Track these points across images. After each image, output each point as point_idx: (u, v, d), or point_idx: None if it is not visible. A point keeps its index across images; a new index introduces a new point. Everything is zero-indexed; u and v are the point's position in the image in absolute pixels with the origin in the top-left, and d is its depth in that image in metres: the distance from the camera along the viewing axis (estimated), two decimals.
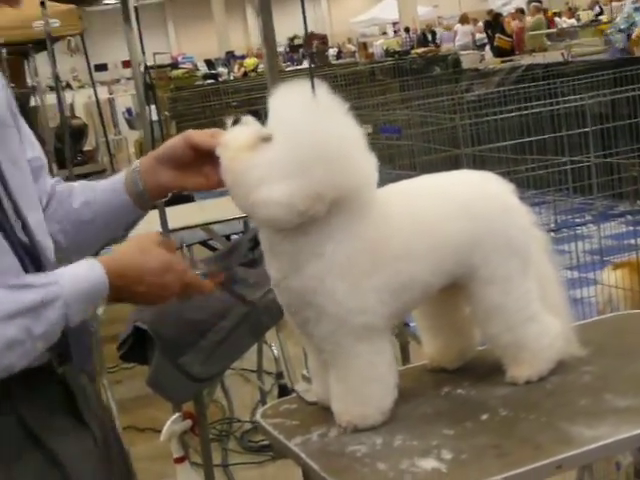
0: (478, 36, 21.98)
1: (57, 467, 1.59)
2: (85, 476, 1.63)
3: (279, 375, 5.30)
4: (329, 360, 1.90)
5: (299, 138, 1.73)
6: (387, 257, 1.84)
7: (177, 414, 3.19)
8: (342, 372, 1.88)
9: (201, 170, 1.81)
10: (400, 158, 7.70)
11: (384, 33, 32.09)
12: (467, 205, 1.94)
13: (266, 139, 1.75)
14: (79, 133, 12.91)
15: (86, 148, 14.09)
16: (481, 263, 1.93)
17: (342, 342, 1.84)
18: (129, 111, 17.13)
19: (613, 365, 2.08)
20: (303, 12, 2.40)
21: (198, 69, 21.90)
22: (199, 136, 1.79)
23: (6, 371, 1.49)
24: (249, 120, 1.81)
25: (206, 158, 1.79)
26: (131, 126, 16.65)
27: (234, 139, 1.76)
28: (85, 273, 1.58)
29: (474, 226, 1.92)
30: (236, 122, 1.79)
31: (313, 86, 1.80)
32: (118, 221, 1.82)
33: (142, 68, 3.92)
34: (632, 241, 4.71)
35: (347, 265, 1.80)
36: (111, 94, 18.93)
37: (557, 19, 21.33)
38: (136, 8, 3.58)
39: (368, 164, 1.81)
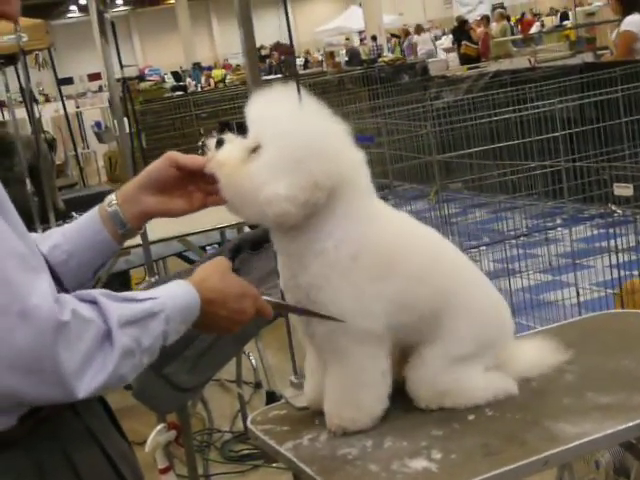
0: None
1: (110, 462, 1.61)
2: (127, 474, 1.65)
3: (258, 384, 5.33)
4: (328, 361, 1.94)
5: (287, 138, 1.80)
6: (398, 271, 1.89)
7: (161, 425, 3.20)
8: (337, 374, 1.92)
9: (185, 190, 1.84)
10: (372, 166, 7.71)
11: (347, 39, 32.15)
12: None
13: (255, 149, 1.81)
14: (49, 147, 12.84)
15: (55, 162, 14.01)
16: None
17: (340, 343, 1.88)
18: (98, 124, 17.06)
19: (594, 364, 2.14)
20: (287, 19, 2.43)
21: (165, 81, 21.84)
22: (183, 156, 1.82)
23: (121, 381, 1.49)
24: (230, 137, 1.86)
25: (190, 179, 1.83)
26: (100, 139, 16.57)
27: (227, 157, 1.81)
28: (182, 292, 1.62)
29: None
30: (220, 143, 1.84)
31: (299, 90, 1.87)
32: (93, 260, 1.78)
33: (116, 80, 3.92)
34: (604, 243, 4.77)
35: (351, 266, 1.85)
36: (78, 108, 18.82)
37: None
38: (112, 23, 3.60)
39: (354, 152, 1.89)
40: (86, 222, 1.78)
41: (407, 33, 24.47)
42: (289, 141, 1.79)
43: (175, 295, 1.60)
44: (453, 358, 1.95)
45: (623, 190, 4.18)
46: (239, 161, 1.81)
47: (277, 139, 1.80)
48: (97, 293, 1.50)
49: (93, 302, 1.48)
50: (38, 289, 1.39)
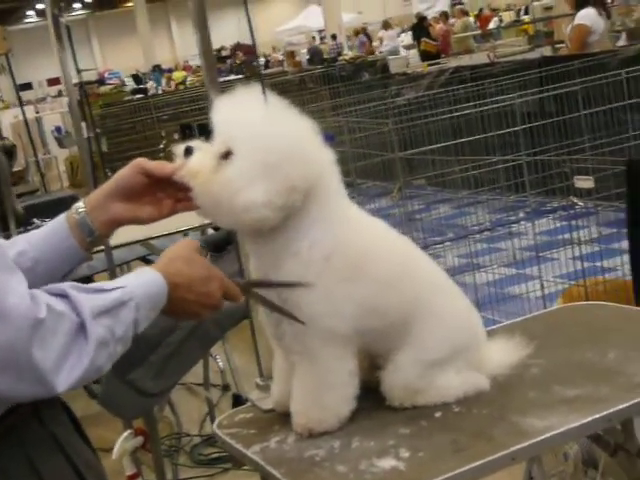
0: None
1: (75, 470, 1.61)
2: None
3: (226, 387, 5.30)
4: (295, 362, 1.93)
5: (260, 142, 1.79)
6: (367, 274, 1.89)
7: (128, 431, 3.18)
8: (304, 375, 1.91)
9: (154, 197, 1.82)
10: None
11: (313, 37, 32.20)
12: None
13: (226, 155, 1.80)
14: (8, 154, 12.71)
15: (15, 169, 13.87)
16: None
17: (308, 343, 1.88)
18: (58, 129, 16.93)
19: (559, 357, 2.14)
20: (248, 20, 2.42)
21: (125, 84, 21.74)
22: (150, 163, 1.81)
23: (98, 372, 1.50)
24: (198, 144, 1.84)
25: (158, 186, 1.82)
26: (61, 144, 16.45)
27: (199, 165, 1.80)
28: (148, 279, 1.62)
29: None
30: (189, 151, 1.82)
31: (264, 91, 1.85)
32: (61, 267, 1.75)
33: (74, 85, 3.88)
34: (566, 236, 4.80)
35: (324, 266, 1.84)
36: (37, 113, 18.67)
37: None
38: (68, 27, 3.56)
39: (325, 152, 1.89)
40: (53, 229, 1.76)
41: (357, 32, 24.54)
42: (262, 145, 1.79)
43: (142, 283, 1.61)
44: (426, 363, 1.95)
45: (584, 182, 4.20)
46: (212, 169, 1.79)
47: (249, 144, 1.79)
48: (66, 286, 1.51)
49: (64, 296, 1.48)
50: (15, 289, 1.41)
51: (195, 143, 1.84)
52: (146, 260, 6.14)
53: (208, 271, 1.74)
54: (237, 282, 1.83)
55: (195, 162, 1.80)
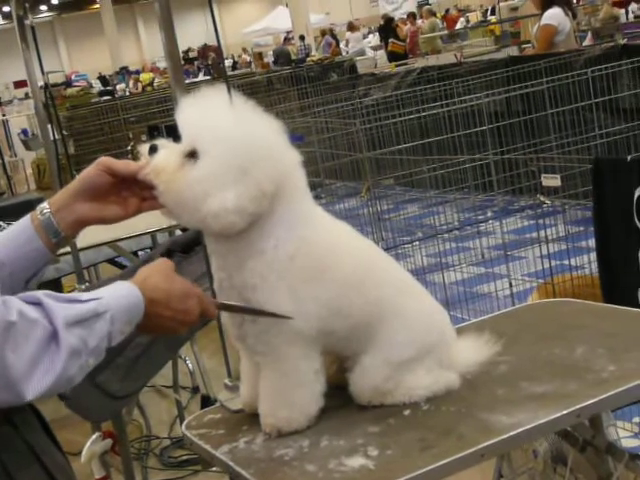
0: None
1: (49, 476, 1.59)
2: None
3: (195, 389, 5.28)
4: (260, 362, 1.92)
5: (227, 144, 1.77)
6: (330, 275, 1.88)
7: (96, 434, 3.16)
8: (271, 375, 1.91)
9: (119, 196, 1.81)
10: (303, 165, 7.73)
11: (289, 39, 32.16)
12: None
13: (192, 154, 1.78)
14: None
15: None
16: None
17: (272, 343, 1.87)
18: (25, 132, 16.83)
19: (527, 354, 2.15)
20: (214, 20, 2.41)
21: (92, 86, 21.62)
22: (115, 162, 1.80)
23: (69, 383, 1.48)
24: (163, 142, 1.83)
25: (123, 185, 1.80)
26: (27, 147, 16.35)
27: (163, 163, 1.78)
28: (125, 293, 1.60)
29: None
30: (153, 149, 1.81)
31: (229, 92, 1.84)
32: (26, 269, 1.73)
33: (41, 86, 3.85)
34: (534, 234, 4.82)
35: (289, 266, 1.83)
36: (4, 115, 18.54)
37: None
38: (33, 28, 3.54)
39: (292, 153, 1.88)
40: (18, 231, 1.73)
41: (324, 33, 24.57)
42: (230, 148, 1.77)
43: (119, 295, 1.59)
44: (393, 364, 1.95)
45: (551, 181, 4.22)
46: (176, 167, 1.78)
47: (216, 145, 1.78)
48: (41, 294, 1.49)
49: (37, 304, 1.46)
50: None
51: (160, 142, 1.83)
52: (114, 262, 6.12)
53: (186, 289, 1.73)
54: (214, 302, 1.83)
55: (159, 160, 1.79)
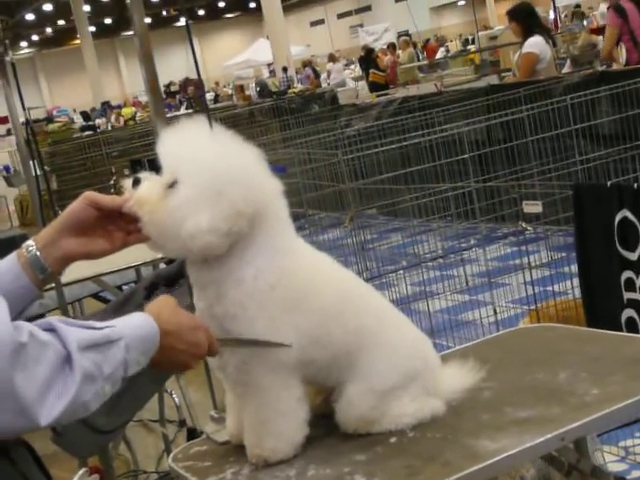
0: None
1: None
2: None
3: (182, 422, 5.25)
4: (243, 393, 1.93)
5: (205, 170, 1.80)
6: (310, 305, 1.89)
7: (83, 469, 3.13)
8: (254, 405, 1.91)
9: (105, 230, 1.82)
10: (286, 196, 7.75)
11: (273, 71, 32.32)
12: None
13: (172, 184, 1.81)
14: None
15: None
16: None
17: (253, 374, 1.88)
18: (7, 168, 16.81)
19: (510, 379, 2.16)
20: (193, 54, 2.43)
21: (74, 122, 21.64)
22: (100, 196, 1.81)
23: (84, 409, 1.46)
24: (146, 175, 1.85)
25: (109, 219, 1.82)
26: (10, 184, 16.32)
27: (146, 194, 1.81)
28: (140, 322, 1.61)
29: None
30: (137, 182, 1.83)
31: (210, 123, 1.86)
32: (14, 306, 1.67)
33: (22, 122, 3.87)
34: (517, 261, 4.85)
35: (269, 296, 1.85)
36: None
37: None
38: (13, 64, 3.55)
39: (272, 180, 1.90)
40: (4, 269, 1.73)
41: (305, 64, 24.78)
42: (206, 173, 1.80)
43: (133, 325, 1.60)
44: (377, 393, 1.95)
45: (532, 207, 4.25)
46: (159, 197, 1.80)
47: (193, 172, 1.80)
48: (53, 319, 1.48)
49: (50, 329, 1.46)
50: None
51: (143, 175, 1.85)
52: (98, 297, 6.09)
53: (195, 321, 1.76)
54: (218, 339, 1.84)
55: (143, 191, 1.82)
